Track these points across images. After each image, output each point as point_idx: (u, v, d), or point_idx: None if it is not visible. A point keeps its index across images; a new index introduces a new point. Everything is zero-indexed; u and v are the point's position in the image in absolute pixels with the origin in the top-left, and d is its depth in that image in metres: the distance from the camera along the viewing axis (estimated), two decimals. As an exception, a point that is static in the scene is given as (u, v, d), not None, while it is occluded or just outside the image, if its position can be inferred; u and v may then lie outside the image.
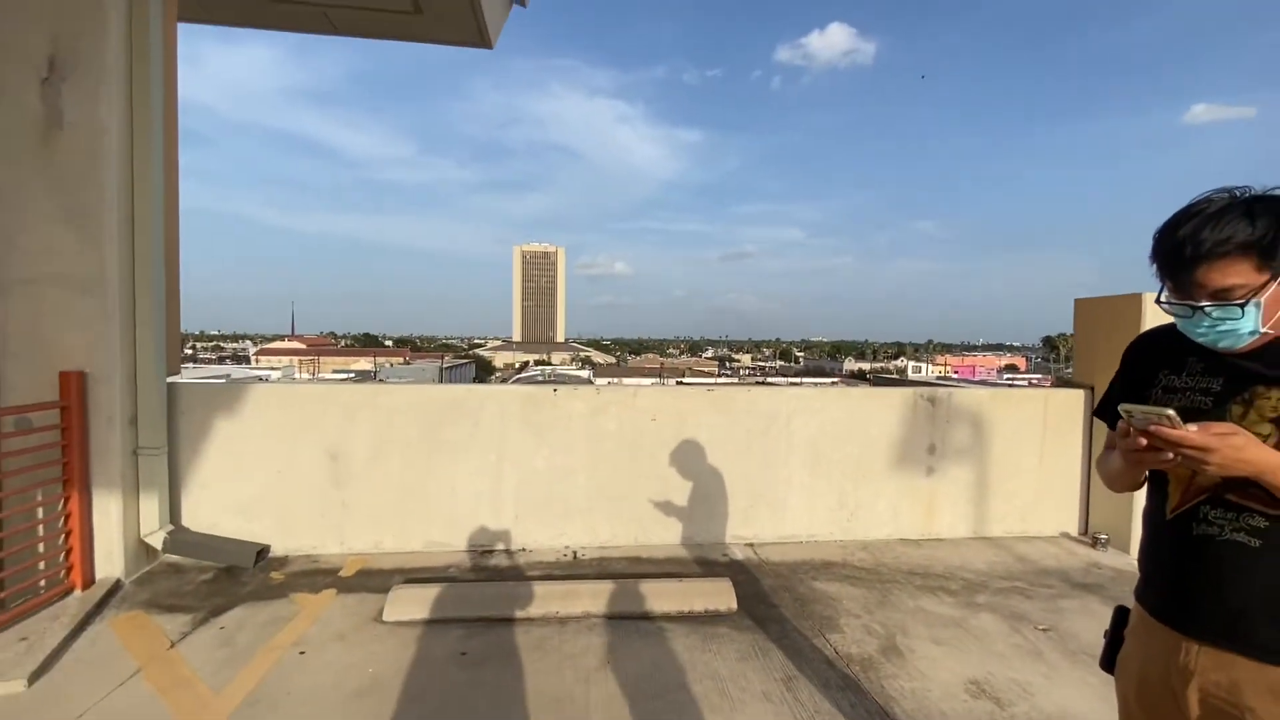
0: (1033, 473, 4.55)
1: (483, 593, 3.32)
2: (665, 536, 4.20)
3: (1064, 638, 3.03)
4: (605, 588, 3.30)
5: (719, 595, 3.31)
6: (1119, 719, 1.34)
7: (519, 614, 3.12)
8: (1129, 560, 4.08)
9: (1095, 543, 4.34)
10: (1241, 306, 1.09)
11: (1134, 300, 4.16)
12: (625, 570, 3.74)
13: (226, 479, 3.85)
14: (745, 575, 3.71)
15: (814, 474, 4.34)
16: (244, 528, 3.84)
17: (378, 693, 2.49)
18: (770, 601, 3.38)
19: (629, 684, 2.57)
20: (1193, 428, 1.05)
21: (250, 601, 3.26)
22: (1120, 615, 1.37)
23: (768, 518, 4.31)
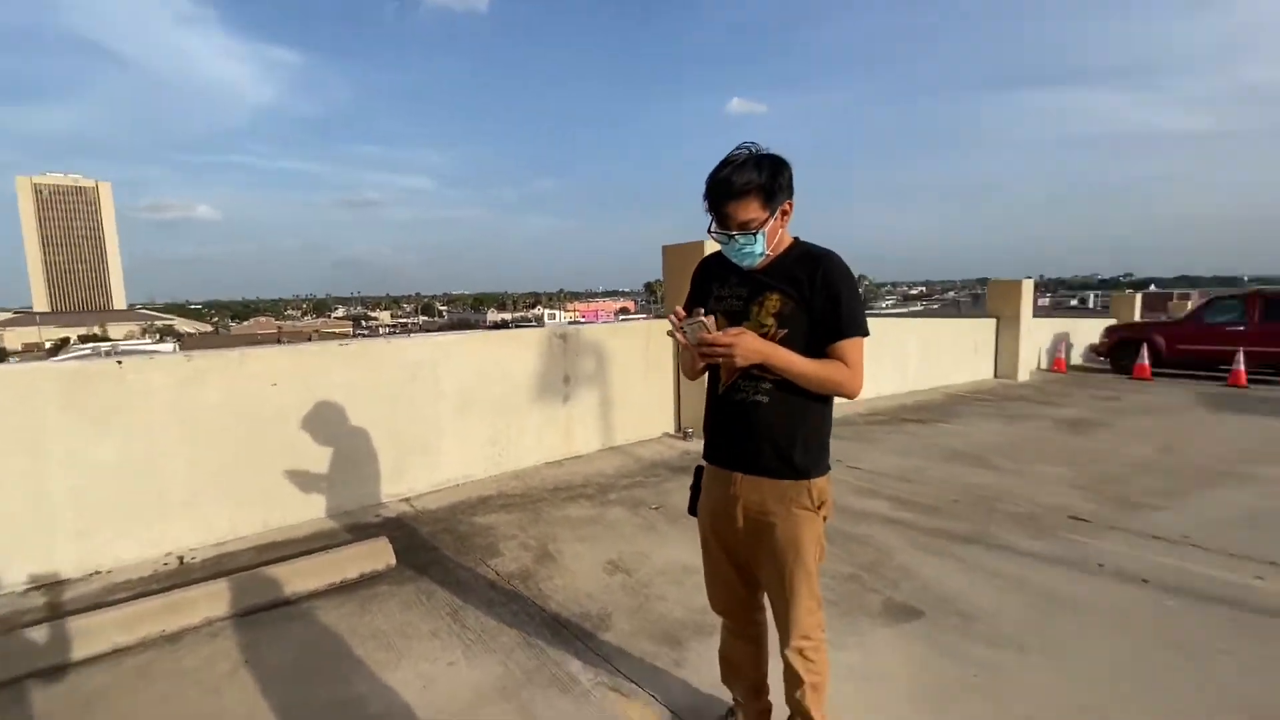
0: (641, 389, 5.52)
1: (33, 639, 2.46)
2: (306, 512, 3.76)
3: (669, 511, 3.84)
4: (230, 585, 2.81)
5: (375, 556, 3.16)
6: (701, 547, 1.81)
7: (101, 649, 2.43)
8: (708, 445, 5.37)
9: (685, 436, 5.56)
10: (755, 235, 1.52)
11: (699, 245, 5.32)
12: (256, 560, 3.23)
13: None
14: (403, 529, 3.61)
15: (465, 417, 4.42)
16: None
17: None
18: (431, 546, 3.38)
19: (275, 675, 2.29)
20: (721, 334, 1.46)
21: None
22: (698, 471, 1.83)
23: (422, 468, 4.24)
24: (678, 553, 3.24)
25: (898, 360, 8.57)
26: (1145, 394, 8.66)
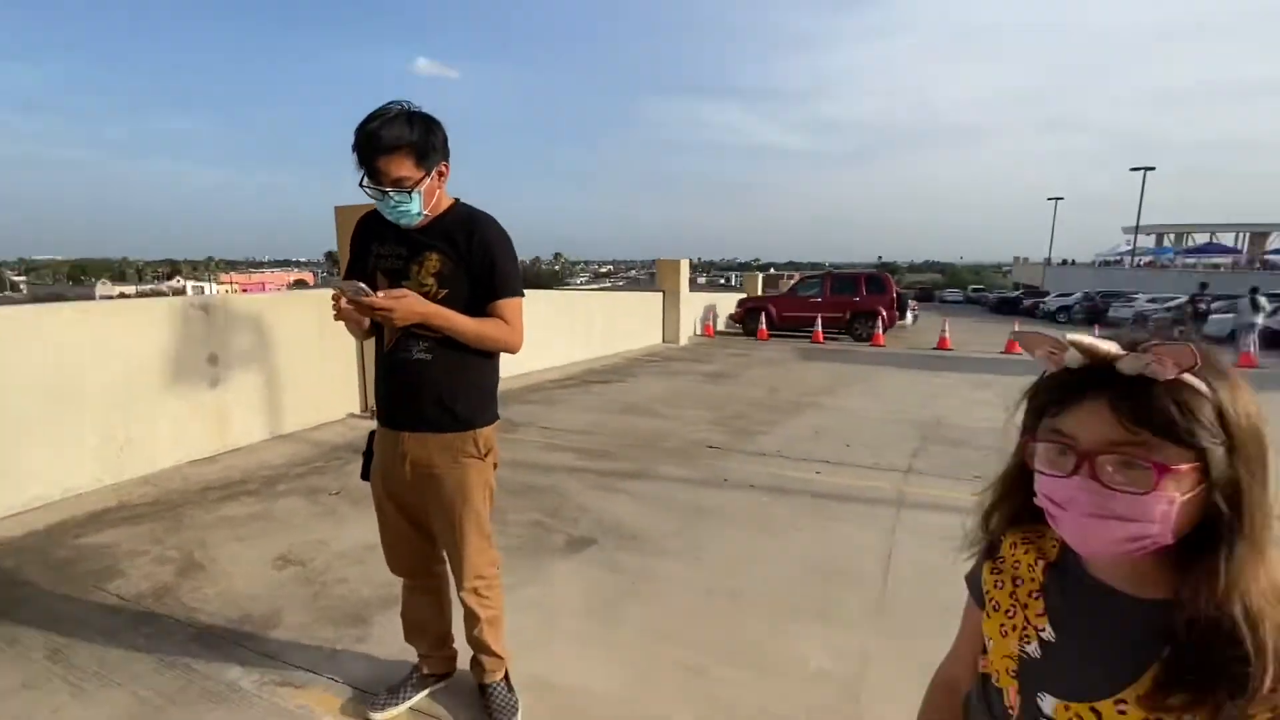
0: (317, 366, 4.98)
1: None
2: None
3: (351, 494, 3.60)
4: None
5: (-99, 612, 2.27)
6: (375, 507, 1.79)
7: None
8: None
9: (373, 415, 5.22)
10: (410, 193, 1.54)
11: (370, 207, 4.97)
12: None
13: None
14: (-47, 571, 2.66)
15: (58, 415, 3.41)
16: None
17: None
18: (15, 582, 2.59)
19: None
20: (381, 294, 1.46)
21: None
22: (371, 436, 1.79)
23: (-17, 488, 3.15)
24: (361, 533, 3.07)
25: (587, 329, 9.35)
26: (764, 350, 11.13)
